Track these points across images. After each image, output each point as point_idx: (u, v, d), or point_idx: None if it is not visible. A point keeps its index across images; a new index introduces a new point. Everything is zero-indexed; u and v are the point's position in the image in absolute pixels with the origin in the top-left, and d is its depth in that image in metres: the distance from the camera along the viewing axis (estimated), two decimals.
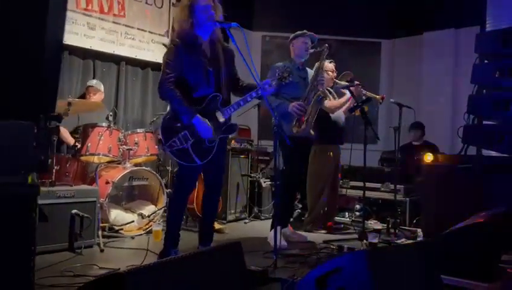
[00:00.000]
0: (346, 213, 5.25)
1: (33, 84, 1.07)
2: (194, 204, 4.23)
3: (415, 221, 4.56)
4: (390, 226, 4.16)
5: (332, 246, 3.51)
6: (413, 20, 6.52)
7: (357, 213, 5.09)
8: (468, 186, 3.53)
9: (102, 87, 4.69)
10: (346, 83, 4.25)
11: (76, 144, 4.02)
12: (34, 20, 1.13)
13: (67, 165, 3.86)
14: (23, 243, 1.19)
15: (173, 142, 2.85)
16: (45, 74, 1.06)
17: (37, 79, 1.07)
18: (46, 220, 2.98)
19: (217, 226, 4.25)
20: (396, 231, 4.14)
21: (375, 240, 3.65)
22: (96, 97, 4.58)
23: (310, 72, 4.02)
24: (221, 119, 2.92)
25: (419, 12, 6.41)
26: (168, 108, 3.06)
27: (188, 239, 3.14)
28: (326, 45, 3.87)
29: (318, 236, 4.09)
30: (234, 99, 3.04)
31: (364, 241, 3.66)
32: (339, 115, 4.43)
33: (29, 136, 1.03)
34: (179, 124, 2.84)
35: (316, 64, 3.88)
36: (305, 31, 3.97)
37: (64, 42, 4.58)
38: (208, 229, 3.18)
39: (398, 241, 3.85)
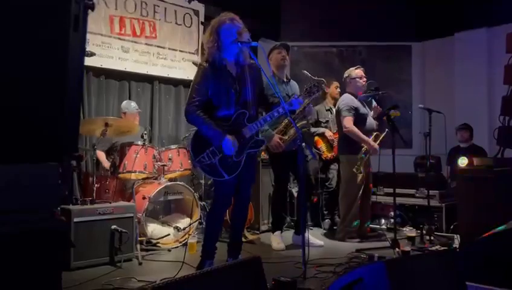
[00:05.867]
0: (382, 220, 5.19)
1: (57, 123, 1.17)
2: (227, 215, 4.33)
3: (452, 227, 4.46)
4: (424, 233, 4.10)
5: (363, 255, 3.51)
6: (443, 21, 6.38)
7: (392, 220, 5.02)
8: (506, 190, 3.44)
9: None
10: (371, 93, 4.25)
11: (115, 161, 4.21)
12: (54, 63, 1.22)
13: (107, 182, 4.11)
14: (52, 275, 1.29)
15: (202, 158, 2.99)
16: (67, 113, 1.16)
17: (61, 118, 1.17)
18: (73, 246, 3.15)
19: (249, 236, 4.35)
20: (431, 237, 4.07)
21: (408, 248, 3.61)
22: (137, 119, 4.72)
23: (294, 86, 4.06)
24: (248, 135, 3.02)
25: (449, 12, 6.26)
26: None
27: (219, 250, 3.24)
28: (323, 85, 3.53)
29: (351, 245, 4.09)
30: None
31: (397, 249, 3.63)
32: (371, 123, 4.42)
33: (55, 175, 1.14)
34: (207, 141, 2.97)
35: (307, 100, 3.57)
36: (276, 43, 4.06)
37: (100, 66, 4.89)
38: (236, 240, 3.30)
39: (432, 248, 3.78)
